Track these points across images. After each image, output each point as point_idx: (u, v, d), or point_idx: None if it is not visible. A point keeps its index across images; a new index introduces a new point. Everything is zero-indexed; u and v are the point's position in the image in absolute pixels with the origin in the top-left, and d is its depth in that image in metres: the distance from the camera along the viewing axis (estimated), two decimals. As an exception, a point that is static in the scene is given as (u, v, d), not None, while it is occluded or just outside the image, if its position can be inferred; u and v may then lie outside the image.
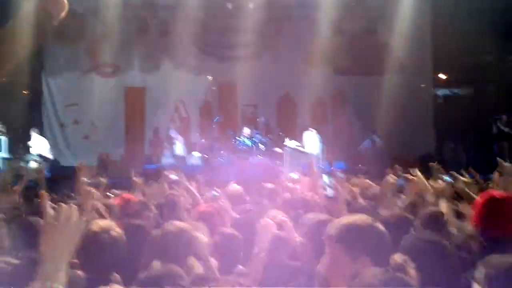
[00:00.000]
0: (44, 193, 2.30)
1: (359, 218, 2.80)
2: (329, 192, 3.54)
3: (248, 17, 19.18)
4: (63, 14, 2.33)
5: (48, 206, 2.12)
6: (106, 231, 3.40)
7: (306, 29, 19.52)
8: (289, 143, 17.11)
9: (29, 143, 17.85)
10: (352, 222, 2.76)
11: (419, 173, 6.23)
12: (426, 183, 6.29)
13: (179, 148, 18.10)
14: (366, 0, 19.71)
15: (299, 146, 17.14)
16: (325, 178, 3.60)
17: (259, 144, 17.71)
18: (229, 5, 19.27)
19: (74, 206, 2.17)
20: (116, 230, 3.48)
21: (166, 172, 7.82)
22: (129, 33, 19.80)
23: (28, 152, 17.92)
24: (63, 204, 2.14)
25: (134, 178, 8.25)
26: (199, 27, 19.48)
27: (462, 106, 17.70)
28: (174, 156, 17.88)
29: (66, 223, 2.08)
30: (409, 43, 19.15)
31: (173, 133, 18.30)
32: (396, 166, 9.48)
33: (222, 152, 18.17)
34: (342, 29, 19.55)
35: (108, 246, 3.35)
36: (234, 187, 8.78)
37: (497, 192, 3.90)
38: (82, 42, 19.99)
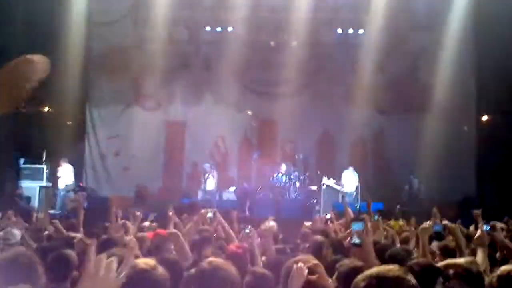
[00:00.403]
0: (91, 242, 2.33)
1: (390, 269, 2.74)
2: (356, 240, 3.48)
3: (290, 54, 19.34)
4: (42, 77, 2.29)
5: (93, 257, 2.13)
6: (152, 269, 3.41)
7: (347, 67, 19.57)
8: (327, 181, 17.06)
9: (60, 173, 18.17)
10: (382, 274, 2.70)
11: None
12: (460, 234, 6.17)
13: (211, 183, 18.04)
14: (408, 40, 19.59)
15: (337, 184, 17.06)
16: (354, 225, 3.53)
17: (296, 182, 17.68)
18: (272, 43, 19.46)
19: (113, 260, 2.18)
20: (160, 269, 3.48)
21: (203, 211, 7.80)
22: (172, 67, 20.11)
23: (66, 181, 18.28)
24: (103, 257, 2.15)
25: (170, 213, 8.29)
26: (242, 63, 19.69)
27: (505, 149, 17.31)
28: (206, 191, 17.85)
29: (105, 277, 2.09)
30: (452, 84, 18.94)
31: (207, 168, 18.28)
32: (435, 211, 9.28)
33: (259, 188, 18.19)
34: (383, 68, 19.49)
35: (156, 284, 3.36)
36: (270, 224, 8.77)
37: None
38: (126, 75, 20.35)
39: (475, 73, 19.41)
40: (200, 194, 17.88)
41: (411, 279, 2.69)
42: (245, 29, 19.68)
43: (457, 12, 18.85)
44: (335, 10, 19.42)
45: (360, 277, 2.76)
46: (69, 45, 18.89)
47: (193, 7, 20.03)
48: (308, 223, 9.45)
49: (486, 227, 6.83)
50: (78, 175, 19.28)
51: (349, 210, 9.63)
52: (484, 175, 18.44)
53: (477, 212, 8.63)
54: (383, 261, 5.24)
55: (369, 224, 3.53)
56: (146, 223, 8.89)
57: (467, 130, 19.54)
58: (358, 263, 4.12)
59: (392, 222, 10.50)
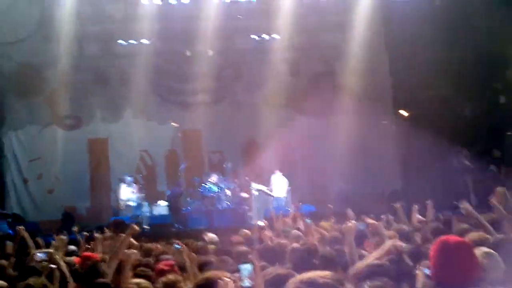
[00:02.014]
0: None
1: (322, 275, 2.74)
2: (246, 283, 3.51)
3: (207, 63, 19.30)
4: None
5: None
6: None
7: (265, 73, 19.55)
8: (256, 186, 17.22)
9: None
10: (312, 279, 2.72)
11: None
12: (384, 229, 6.44)
13: (126, 195, 17.76)
14: (321, 41, 19.94)
15: (267, 189, 17.25)
16: (242, 268, 3.54)
17: (226, 190, 17.77)
18: (188, 52, 19.35)
19: None
20: None
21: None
22: (88, 83, 19.69)
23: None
24: None
25: (96, 235, 8.26)
26: (159, 75, 19.54)
27: (424, 141, 17.98)
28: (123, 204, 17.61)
29: None
30: (368, 80, 19.46)
31: (127, 180, 18.00)
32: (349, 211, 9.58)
33: (189, 199, 18.18)
34: (300, 71, 19.79)
35: None
36: (211, 236, 8.86)
37: (452, 237, 3.85)
38: (41, 94, 19.74)
39: (389, 68, 20.00)
40: (127, 210, 17.61)
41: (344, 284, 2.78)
42: (160, 40, 19.51)
43: (364, 9, 19.24)
44: (248, 17, 19.47)
45: (291, 281, 2.80)
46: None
47: (103, 21, 19.59)
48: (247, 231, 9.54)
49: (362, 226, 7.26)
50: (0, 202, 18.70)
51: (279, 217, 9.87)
52: (408, 168, 19.05)
53: (396, 205, 9.09)
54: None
55: (258, 268, 3.62)
56: (72, 247, 8.74)
57: (387, 123, 20.13)
58: (284, 270, 4.23)
59: (323, 223, 10.71)
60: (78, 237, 9.78)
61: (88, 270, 5.78)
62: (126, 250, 5.86)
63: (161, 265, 5.83)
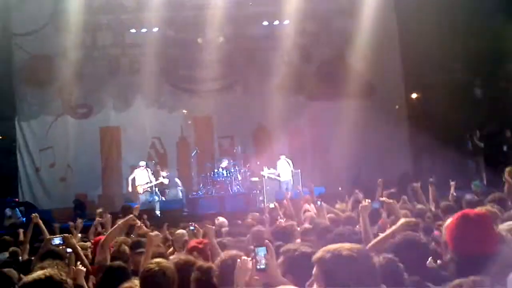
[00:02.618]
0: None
1: (346, 247, 2.84)
2: (261, 265, 3.48)
3: (218, 50, 19.33)
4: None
5: None
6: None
7: (276, 59, 19.57)
8: (265, 171, 17.24)
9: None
10: (338, 249, 2.82)
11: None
12: (398, 207, 6.42)
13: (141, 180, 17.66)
14: (333, 26, 19.87)
15: (274, 174, 17.23)
16: (258, 250, 3.53)
17: (237, 175, 17.76)
18: (199, 40, 19.37)
19: None
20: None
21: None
22: (100, 72, 19.81)
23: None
24: None
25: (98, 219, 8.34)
26: (170, 63, 19.60)
27: (436, 123, 17.84)
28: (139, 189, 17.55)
29: None
30: (380, 65, 19.34)
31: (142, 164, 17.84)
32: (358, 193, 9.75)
33: (201, 185, 18.17)
34: (311, 56, 19.72)
35: None
36: (221, 220, 8.84)
37: (470, 211, 3.88)
38: (53, 84, 19.87)
39: (400, 52, 19.89)
40: (141, 198, 17.58)
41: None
42: (171, 28, 19.58)
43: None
44: (259, 3, 19.45)
45: (319, 251, 2.85)
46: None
47: (115, 10, 19.72)
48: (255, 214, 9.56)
49: (376, 204, 7.29)
50: (13, 190, 18.81)
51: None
52: (419, 150, 18.93)
53: (415, 185, 9.16)
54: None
55: (272, 249, 3.60)
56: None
57: (399, 108, 20.03)
58: (306, 248, 4.19)
59: (338, 205, 10.63)
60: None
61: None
62: (150, 233, 5.93)
63: (194, 243, 5.82)
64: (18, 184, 19.54)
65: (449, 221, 3.71)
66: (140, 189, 17.18)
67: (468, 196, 8.78)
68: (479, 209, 4.50)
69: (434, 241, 5.54)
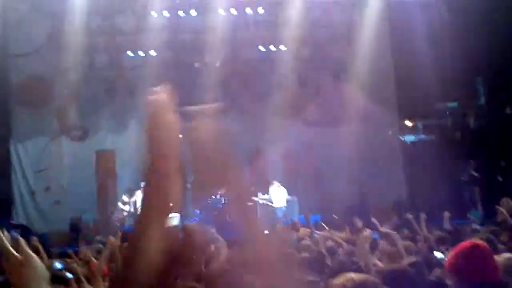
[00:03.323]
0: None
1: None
2: None
3: (214, 74, 19.42)
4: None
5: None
6: None
7: (272, 83, 19.73)
8: (260, 197, 17.27)
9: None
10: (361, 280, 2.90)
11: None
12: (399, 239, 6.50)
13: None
14: (328, 52, 20.00)
15: (267, 200, 17.27)
16: None
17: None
18: (196, 64, 19.44)
19: None
20: None
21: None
22: (96, 95, 19.83)
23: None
24: None
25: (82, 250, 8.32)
26: (166, 86, 19.60)
27: (430, 152, 17.99)
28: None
29: None
30: (374, 91, 19.52)
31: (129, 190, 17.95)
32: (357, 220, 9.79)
33: (197, 211, 18.16)
34: (307, 82, 19.82)
35: None
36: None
37: (471, 241, 3.96)
38: (49, 106, 19.92)
39: (394, 80, 20.06)
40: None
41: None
42: (168, 52, 19.65)
43: (372, 22, 19.37)
44: (255, 28, 19.56)
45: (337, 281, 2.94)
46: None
47: (112, 32, 19.77)
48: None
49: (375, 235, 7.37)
50: (7, 213, 18.74)
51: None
52: (413, 177, 19.04)
53: (408, 216, 9.24)
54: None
55: None
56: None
57: (392, 134, 20.17)
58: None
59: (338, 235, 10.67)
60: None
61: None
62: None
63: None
64: (12, 206, 19.48)
65: (452, 251, 3.81)
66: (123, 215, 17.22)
67: (473, 226, 8.89)
68: (479, 240, 4.59)
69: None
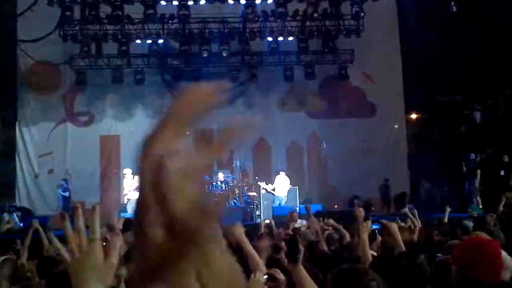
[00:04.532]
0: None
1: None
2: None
3: (222, 64, 19.49)
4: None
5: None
6: None
7: (279, 75, 19.82)
8: (264, 186, 17.26)
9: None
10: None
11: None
12: (397, 230, 6.46)
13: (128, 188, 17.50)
14: (337, 44, 19.97)
15: (270, 189, 17.25)
16: None
17: (234, 189, 17.76)
18: (204, 53, 19.44)
19: None
20: None
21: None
22: (103, 82, 19.89)
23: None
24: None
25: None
26: (173, 75, 19.71)
27: (434, 145, 17.96)
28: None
29: None
30: (381, 84, 19.54)
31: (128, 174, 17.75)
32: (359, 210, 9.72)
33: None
34: (314, 74, 19.80)
35: None
36: None
37: (483, 237, 3.92)
38: (56, 91, 20.09)
39: (402, 72, 20.05)
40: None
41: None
42: (175, 40, 19.70)
43: (379, 14, 19.38)
44: (264, 19, 19.55)
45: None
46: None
47: (121, 21, 19.82)
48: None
49: (376, 226, 7.37)
50: (10, 196, 18.84)
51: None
52: (416, 170, 18.99)
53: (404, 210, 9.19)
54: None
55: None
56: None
57: (398, 128, 20.14)
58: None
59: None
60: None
61: None
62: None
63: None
64: (15, 189, 19.58)
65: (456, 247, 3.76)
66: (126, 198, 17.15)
67: (466, 222, 8.81)
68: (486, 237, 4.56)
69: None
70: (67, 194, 18.11)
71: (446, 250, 4.93)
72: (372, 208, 14.61)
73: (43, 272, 5.43)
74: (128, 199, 17.03)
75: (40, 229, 8.41)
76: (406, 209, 9.08)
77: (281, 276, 3.79)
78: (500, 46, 16.50)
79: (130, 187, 16.99)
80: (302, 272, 3.60)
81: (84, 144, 19.82)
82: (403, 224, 8.44)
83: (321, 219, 8.85)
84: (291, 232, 8.01)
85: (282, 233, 7.88)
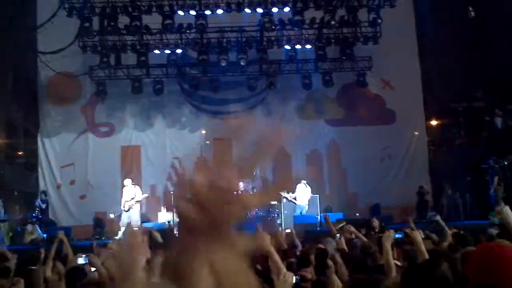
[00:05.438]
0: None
1: None
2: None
3: (240, 73, 19.57)
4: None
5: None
6: None
7: (297, 83, 19.85)
8: (285, 195, 17.25)
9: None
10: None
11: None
12: (421, 239, 6.43)
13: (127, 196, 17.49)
14: (355, 51, 19.93)
15: (290, 197, 17.27)
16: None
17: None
18: (223, 62, 19.51)
19: None
20: None
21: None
22: (123, 92, 20.05)
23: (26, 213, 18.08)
24: None
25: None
26: (192, 84, 19.81)
27: (455, 151, 17.86)
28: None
29: None
30: (400, 91, 19.48)
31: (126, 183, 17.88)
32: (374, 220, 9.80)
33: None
34: (332, 81, 19.78)
35: None
36: None
37: (495, 244, 3.87)
38: (77, 102, 20.26)
39: (422, 79, 19.97)
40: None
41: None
42: (194, 50, 19.80)
43: (397, 21, 19.31)
44: (281, 27, 19.57)
45: None
46: (17, 76, 18.72)
47: (140, 31, 19.95)
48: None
49: (398, 234, 7.33)
50: (32, 207, 19.03)
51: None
52: (438, 177, 18.88)
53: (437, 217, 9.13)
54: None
55: None
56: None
57: (418, 134, 20.06)
58: None
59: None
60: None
61: None
62: None
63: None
64: (37, 200, 19.73)
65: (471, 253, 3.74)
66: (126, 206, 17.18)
67: (490, 230, 8.73)
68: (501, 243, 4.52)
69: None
70: (44, 206, 18.38)
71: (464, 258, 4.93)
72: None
73: (71, 282, 5.51)
74: (129, 207, 17.05)
75: (65, 239, 8.53)
76: (438, 217, 9.09)
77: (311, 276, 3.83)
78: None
79: (128, 196, 17.08)
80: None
81: (105, 155, 20.02)
82: (433, 235, 8.47)
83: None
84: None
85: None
